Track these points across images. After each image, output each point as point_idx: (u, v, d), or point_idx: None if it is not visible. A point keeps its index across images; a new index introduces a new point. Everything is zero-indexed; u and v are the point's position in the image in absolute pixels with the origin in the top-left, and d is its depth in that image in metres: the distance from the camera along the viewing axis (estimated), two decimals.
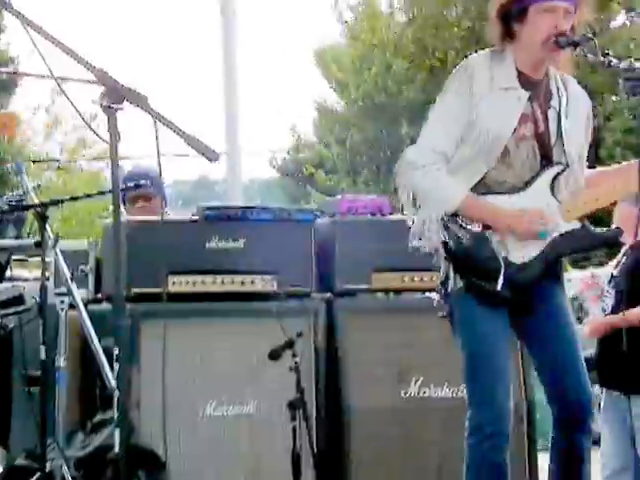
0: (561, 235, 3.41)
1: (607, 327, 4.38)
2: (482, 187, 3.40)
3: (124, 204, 5.03)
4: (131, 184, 4.79)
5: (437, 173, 3.37)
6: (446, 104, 3.43)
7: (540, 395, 3.71)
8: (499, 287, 3.34)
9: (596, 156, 15.15)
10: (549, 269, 3.45)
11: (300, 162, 20.10)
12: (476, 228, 3.37)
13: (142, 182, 4.81)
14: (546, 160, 3.41)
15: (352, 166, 17.97)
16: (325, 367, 4.50)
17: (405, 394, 4.56)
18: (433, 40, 16.08)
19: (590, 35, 3.35)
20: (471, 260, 3.38)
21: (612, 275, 4.55)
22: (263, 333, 4.28)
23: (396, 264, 4.60)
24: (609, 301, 4.47)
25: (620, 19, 16.38)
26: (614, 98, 14.54)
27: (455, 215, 3.37)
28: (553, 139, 3.41)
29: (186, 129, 2.54)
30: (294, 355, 4.08)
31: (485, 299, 3.39)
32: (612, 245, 3.60)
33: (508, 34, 3.41)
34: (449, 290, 3.46)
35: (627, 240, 4.01)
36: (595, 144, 15.61)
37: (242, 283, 4.45)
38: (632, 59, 3.35)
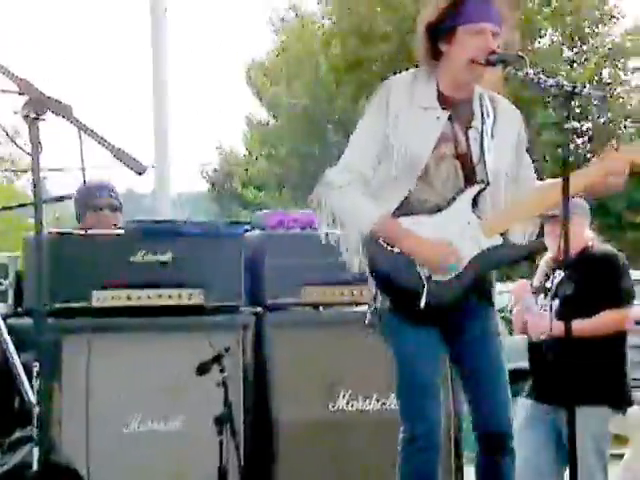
0: (483, 251, 3.42)
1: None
2: (406, 206, 3.42)
3: (80, 214, 4.91)
4: (102, 192, 4.74)
5: (353, 193, 3.40)
6: (364, 124, 3.45)
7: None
8: (422, 305, 3.35)
9: None
10: (477, 287, 3.46)
11: (229, 176, 20.03)
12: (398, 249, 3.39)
13: (113, 194, 4.75)
14: (469, 179, 3.44)
15: (282, 180, 17.98)
16: (254, 382, 4.48)
17: (333, 407, 4.55)
18: (362, 52, 16.17)
19: (520, 53, 3.40)
20: (394, 279, 3.41)
21: (544, 287, 4.59)
22: (191, 348, 4.23)
23: (326, 278, 4.60)
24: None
25: (547, 38, 16.69)
26: (544, 113, 14.79)
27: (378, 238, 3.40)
28: (476, 159, 3.43)
29: (113, 141, 2.50)
30: (222, 370, 4.05)
31: (411, 318, 3.41)
32: (534, 256, 3.67)
33: (434, 53, 3.43)
34: (378, 307, 3.50)
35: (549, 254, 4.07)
36: None
37: (169, 297, 4.40)
38: (560, 77, 3.41)
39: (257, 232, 4.70)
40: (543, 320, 4.40)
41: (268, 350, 4.50)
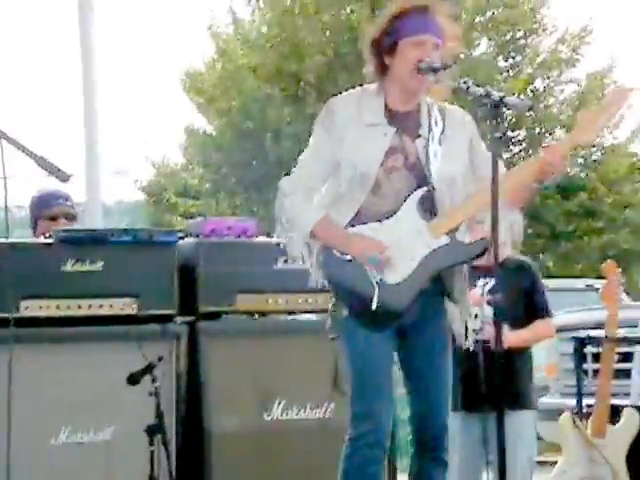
0: (433, 251, 3.50)
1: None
2: (361, 218, 3.52)
3: (34, 223, 4.81)
4: (57, 200, 4.65)
5: (299, 201, 3.54)
6: (311, 144, 3.58)
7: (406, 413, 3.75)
8: (374, 307, 3.43)
9: None
10: (428, 288, 3.52)
11: (165, 186, 19.89)
12: (349, 256, 3.49)
13: (68, 203, 4.67)
14: (422, 186, 3.52)
15: (218, 189, 17.90)
16: (187, 391, 4.42)
17: (268, 417, 4.52)
18: (295, 65, 16.19)
19: (450, 63, 3.49)
20: (347, 285, 3.51)
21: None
22: (122, 357, 4.17)
23: (261, 286, 4.57)
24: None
25: (482, 47, 16.88)
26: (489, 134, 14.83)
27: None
28: (425, 167, 3.52)
29: (38, 149, 2.43)
30: (154, 380, 4.01)
31: (365, 321, 3.49)
32: (477, 257, 3.66)
33: (381, 68, 3.52)
34: (335, 313, 3.58)
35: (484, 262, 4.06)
36: None
37: (100, 307, 4.33)
38: (490, 86, 3.47)
39: (191, 240, 4.65)
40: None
41: (202, 359, 4.45)
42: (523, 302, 4.57)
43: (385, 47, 3.48)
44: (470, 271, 4.57)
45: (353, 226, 3.52)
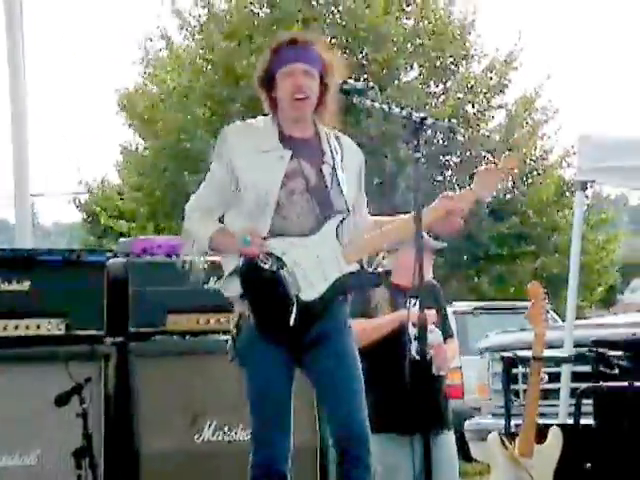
0: (343, 275, 3.61)
1: None
2: (269, 238, 3.57)
3: None
4: None
5: (195, 221, 3.63)
6: (212, 167, 3.67)
7: None
8: (292, 322, 3.46)
9: (392, 202, 15.60)
10: (335, 307, 3.61)
11: (100, 207, 19.66)
12: (272, 267, 3.51)
13: None
14: (324, 210, 3.62)
15: (154, 211, 17.74)
16: (116, 413, 4.37)
17: (199, 438, 4.48)
18: (227, 89, 16.18)
19: (372, 84, 3.61)
20: (265, 299, 3.53)
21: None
22: (49, 379, 4.13)
23: (191, 305, 4.54)
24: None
25: (413, 73, 17.05)
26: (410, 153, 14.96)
27: (252, 260, 3.51)
28: (333, 191, 3.62)
29: None
30: (82, 401, 3.95)
31: (274, 336, 3.51)
32: (377, 285, 3.91)
33: (270, 101, 3.65)
34: (241, 332, 3.58)
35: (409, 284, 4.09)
36: (390, 190, 16.17)
37: (27, 327, 4.28)
38: (412, 109, 3.57)
39: (120, 259, 4.60)
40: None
41: (131, 380, 4.41)
42: (445, 323, 4.62)
43: (267, 82, 3.63)
44: (393, 291, 4.61)
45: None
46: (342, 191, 3.63)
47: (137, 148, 18.39)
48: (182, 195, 16.35)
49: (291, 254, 3.53)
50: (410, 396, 4.35)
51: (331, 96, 3.61)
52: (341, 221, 3.62)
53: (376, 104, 3.53)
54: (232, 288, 3.55)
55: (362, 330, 4.27)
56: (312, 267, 3.55)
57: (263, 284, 3.51)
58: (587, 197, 6.21)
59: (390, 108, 3.53)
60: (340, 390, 3.55)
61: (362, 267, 3.66)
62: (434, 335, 4.44)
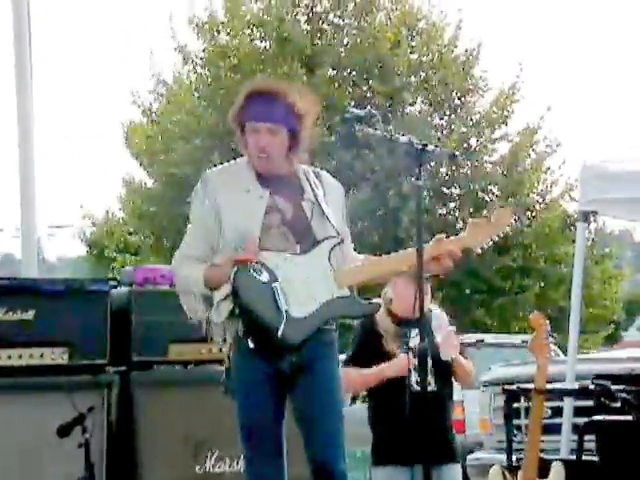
0: (335, 299, 3.62)
1: None
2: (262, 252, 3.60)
3: None
4: None
5: (185, 271, 3.65)
6: (193, 213, 3.72)
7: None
8: (279, 334, 3.47)
9: (395, 236, 15.59)
10: (323, 329, 3.61)
11: (105, 240, 19.69)
12: (264, 279, 3.53)
13: None
14: (301, 241, 3.65)
15: (157, 245, 17.75)
16: (118, 442, 4.36)
17: (200, 469, 4.48)
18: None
19: (374, 112, 3.61)
20: (255, 314, 3.52)
21: (408, 346, 4.59)
22: (52, 408, 4.12)
23: (193, 335, 4.52)
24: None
25: (417, 106, 17.13)
26: (410, 181, 14.95)
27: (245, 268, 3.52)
28: (313, 222, 3.67)
29: None
30: (84, 431, 3.94)
31: (261, 354, 3.50)
32: (365, 316, 3.99)
33: (244, 142, 3.71)
34: (231, 363, 3.60)
35: (407, 314, 4.10)
36: (392, 224, 16.16)
37: (31, 357, 4.29)
38: (412, 137, 3.55)
39: (124, 289, 4.62)
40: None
41: (133, 409, 4.40)
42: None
43: (239, 128, 3.68)
44: (396, 321, 4.60)
45: None
46: (329, 219, 3.67)
47: (140, 180, 18.43)
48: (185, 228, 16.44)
49: (283, 269, 3.56)
50: (410, 427, 4.34)
51: (305, 138, 3.67)
52: (335, 245, 3.65)
53: (378, 132, 3.55)
54: (222, 311, 3.56)
55: (349, 382, 4.30)
56: (302, 286, 3.57)
57: (257, 293, 3.51)
58: (589, 228, 6.13)
59: (392, 136, 3.55)
60: (317, 423, 3.55)
61: (352, 294, 3.65)
62: (441, 320, 4.46)
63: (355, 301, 3.66)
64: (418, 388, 4.03)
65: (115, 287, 4.64)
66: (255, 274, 3.52)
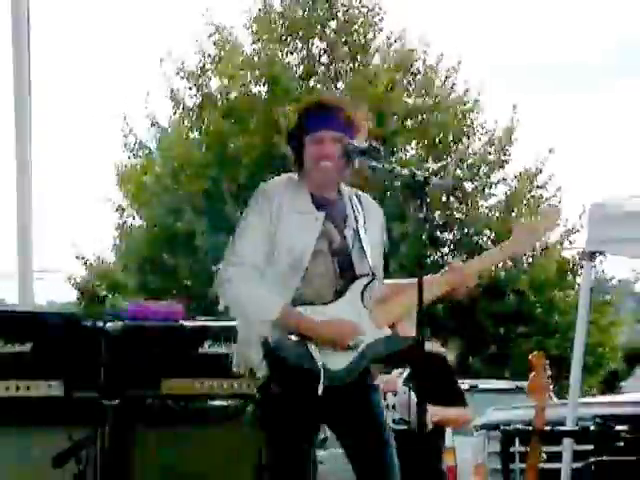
0: (374, 341, 3.53)
1: None
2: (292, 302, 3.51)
3: None
4: None
5: (246, 284, 3.49)
6: (249, 222, 3.58)
7: None
8: (320, 392, 3.40)
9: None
10: (363, 374, 3.55)
11: (96, 284, 19.66)
12: (294, 338, 3.45)
13: None
14: (344, 275, 3.56)
15: (148, 290, 17.72)
16: (112, 476, 4.33)
17: None
18: (218, 169, 16.27)
19: (376, 145, 3.58)
20: (292, 366, 3.46)
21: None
22: (47, 440, 4.14)
23: (186, 370, 4.54)
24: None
25: (412, 150, 17.19)
26: (401, 225, 14.80)
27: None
28: (355, 255, 3.58)
29: None
30: (79, 462, 3.92)
31: (299, 407, 3.44)
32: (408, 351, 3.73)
33: (298, 160, 3.66)
34: (265, 398, 3.52)
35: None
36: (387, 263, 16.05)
37: (27, 388, 4.30)
38: (414, 169, 3.56)
39: (118, 323, 4.63)
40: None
41: (127, 443, 4.38)
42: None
43: (296, 144, 3.63)
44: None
45: None
46: (365, 254, 3.58)
47: (131, 225, 18.40)
48: (172, 275, 16.40)
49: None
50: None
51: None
52: (365, 285, 3.56)
53: (379, 164, 3.52)
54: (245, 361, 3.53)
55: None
56: None
57: (291, 356, 3.44)
58: (595, 267, 6.00)
59: (394, 168, 3.52)
60: (370, 463, 3.49)
61: (395, 332, 3.59)
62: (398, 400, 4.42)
63: (396, 338, 3.58)
64: (396, 427, 4.04)
65: (110, 321, 4.65)
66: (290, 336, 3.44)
